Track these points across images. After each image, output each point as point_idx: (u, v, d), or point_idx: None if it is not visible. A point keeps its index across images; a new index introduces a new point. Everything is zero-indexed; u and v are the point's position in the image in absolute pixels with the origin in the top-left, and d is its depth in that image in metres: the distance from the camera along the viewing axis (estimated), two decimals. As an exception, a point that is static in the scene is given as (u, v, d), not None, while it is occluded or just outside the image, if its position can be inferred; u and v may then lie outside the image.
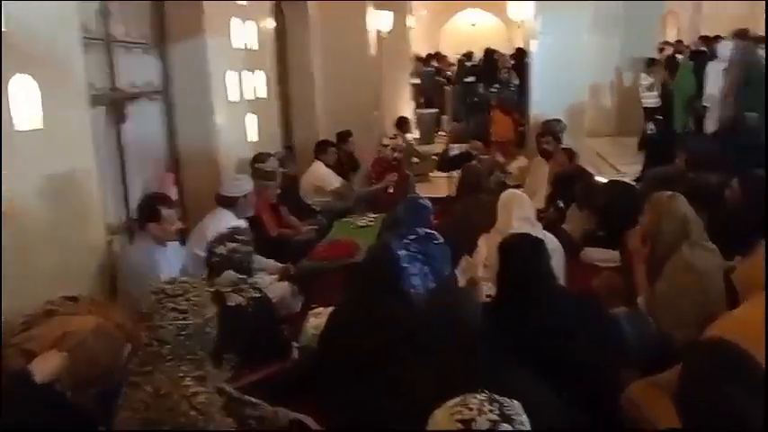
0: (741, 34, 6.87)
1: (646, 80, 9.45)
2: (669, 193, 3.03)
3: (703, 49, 9.02)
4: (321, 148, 6.21)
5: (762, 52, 6.44)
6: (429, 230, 3.25)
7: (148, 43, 4.33)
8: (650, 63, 9.54)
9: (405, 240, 3.16)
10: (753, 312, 2.13)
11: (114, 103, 3.96)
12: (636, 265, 3.02)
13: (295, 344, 3.05)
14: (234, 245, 2.63)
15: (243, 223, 3.77)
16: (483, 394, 1.35)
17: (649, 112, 9.44)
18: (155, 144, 4.49)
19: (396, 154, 5.33)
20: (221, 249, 2.61)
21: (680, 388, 1.74)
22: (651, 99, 9.43)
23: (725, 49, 7.56)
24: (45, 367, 2.01)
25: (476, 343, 2.10)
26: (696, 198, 3.78)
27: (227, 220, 3.80)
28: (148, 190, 4.34)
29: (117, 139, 4.02)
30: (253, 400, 2.20)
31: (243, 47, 5.27)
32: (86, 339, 2.17)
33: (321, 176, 6.03)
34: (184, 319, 1.86)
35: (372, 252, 2.80)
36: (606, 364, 2.49)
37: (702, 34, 11.31)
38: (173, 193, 4.43)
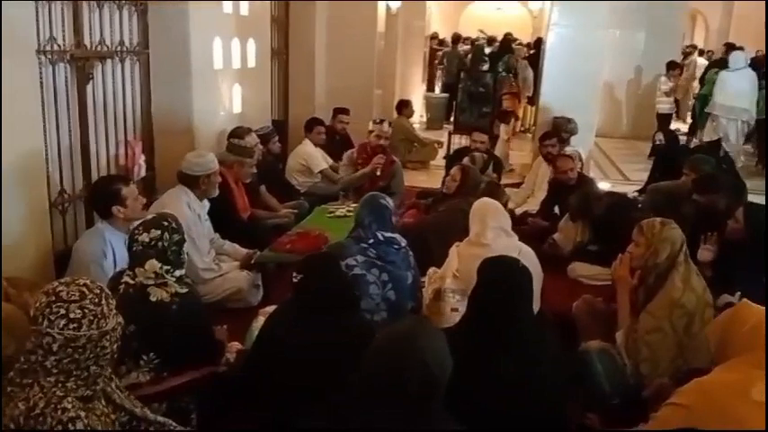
0: None
1: (665, 84, 9.02)
2: (660, 219, 2.73)
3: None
4: (310, 127, 5.87)
5: None
6: (389, 234, 2.95)
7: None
8: (671, 66, 9.08)
9: (363, 245, 2.88)
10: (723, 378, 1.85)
11: (78, 62, 3.67)
12: (620, 296, 2.73)
13: (238, 345, 2.80)
14: (158, 232, 2.35)
15: (196, 207, 3.51)
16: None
17: (662, 119, 9.03)
18: (126, 108, 4.19)
19: (381, 141, 4.96)
20: (143, 237, 2.33)
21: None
22: (666, 105, 9.03)
23: (738, 59, 7.24)
24: None
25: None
26: (701, 221, 3.49)
27: (186, 200, 3.53)
28: (114, 157, 4.10)
29: (81, 100, 3.75)
30: (150, 416, 1.91)
31: (233, 12, 4.94)
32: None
33: (308, 156, 5.70)
34: (76, 329, 1.61)
35: (323, 256, 2.52)
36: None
37: (730, 40, 10.85)
38: (141, 161, 4.19)
